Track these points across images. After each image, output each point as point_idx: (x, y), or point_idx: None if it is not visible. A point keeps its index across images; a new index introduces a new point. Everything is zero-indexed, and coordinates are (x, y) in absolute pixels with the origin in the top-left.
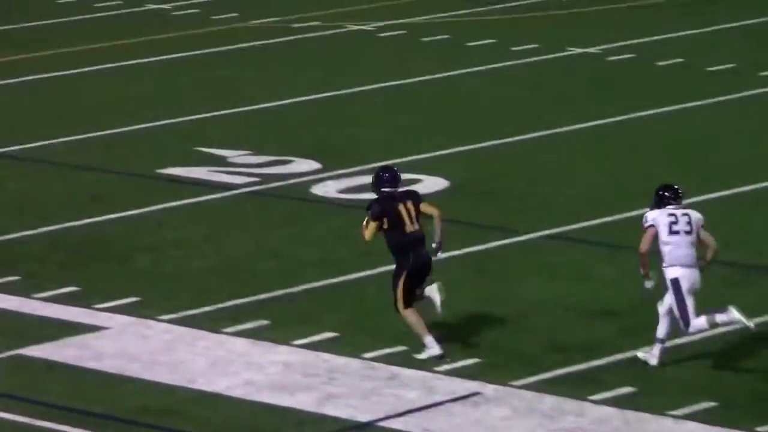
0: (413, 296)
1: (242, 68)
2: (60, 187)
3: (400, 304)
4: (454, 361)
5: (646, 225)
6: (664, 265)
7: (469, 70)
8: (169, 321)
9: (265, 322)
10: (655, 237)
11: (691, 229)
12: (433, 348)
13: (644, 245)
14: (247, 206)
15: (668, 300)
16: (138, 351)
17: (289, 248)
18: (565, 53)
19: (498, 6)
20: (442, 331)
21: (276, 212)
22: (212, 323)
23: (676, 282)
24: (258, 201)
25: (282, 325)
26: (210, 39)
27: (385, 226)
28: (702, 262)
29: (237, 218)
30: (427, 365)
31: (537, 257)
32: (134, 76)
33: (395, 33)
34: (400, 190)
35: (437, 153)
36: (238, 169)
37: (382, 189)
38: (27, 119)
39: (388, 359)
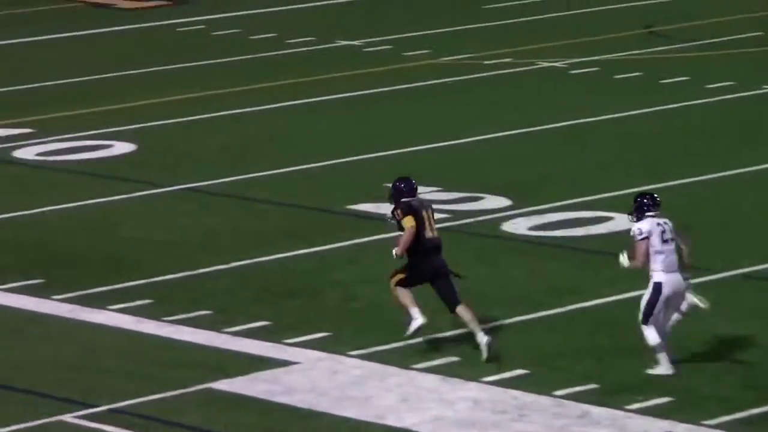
0: (408, 286)
1: (433, 104)
2: (251, 222)
3: (392, 282)
4: (646, 399)
5: (641, 237)
6: (652, 268)
7: (661, 107)
8: (359, 356)
9: (455, 358)
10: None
11: (673, 236)
12: (417, 319)
13: (642, 258)
14: None
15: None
16: (328, 386)
17: (479, 285)
18: (761, 91)
19: (694, 43)
20: (634, 368)
21: (466, 249)
22: (402, 359)
23: (659, 286)
24: (448, 237)
25: (472, 361)
26: (401, 75)
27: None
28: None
29: None
30: (617, 403)
31: (732, 296)
32: (325, 111)
33: (588, 70)
34: (418, 199)
35: (628, 190)
36: None
37: (402, 200)
38: (219, 155)
39: (578, 397)
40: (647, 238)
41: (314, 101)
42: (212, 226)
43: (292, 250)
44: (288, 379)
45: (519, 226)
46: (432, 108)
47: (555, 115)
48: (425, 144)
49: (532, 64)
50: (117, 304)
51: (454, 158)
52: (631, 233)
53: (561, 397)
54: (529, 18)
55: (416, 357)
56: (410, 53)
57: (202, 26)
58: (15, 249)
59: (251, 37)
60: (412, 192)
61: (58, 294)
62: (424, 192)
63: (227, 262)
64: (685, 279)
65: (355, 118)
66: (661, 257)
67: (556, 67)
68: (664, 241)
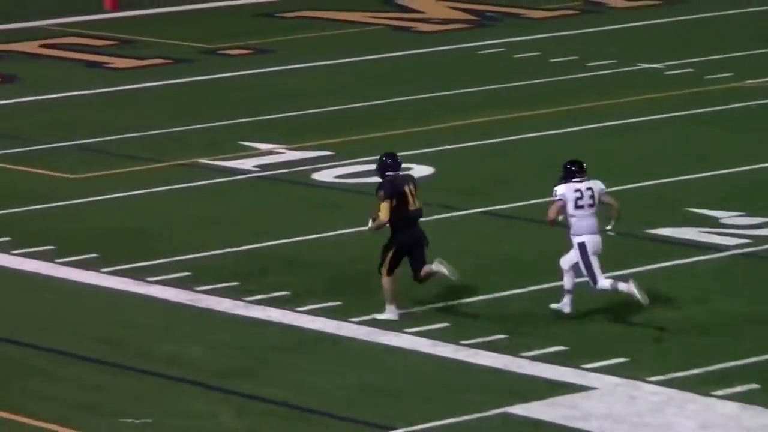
0: (397, 266)
1: (736, 128)
2: (550, 245)
3: (384, 269)
4: None
5: (555, 198)
6: (571, 233)
7: None
8: (658, 383)
9: (755, 385)
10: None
11: (594, 201)
12: (392, 314)
13: (552, 214)
14: (738, 268)
15: (573, 258)
16: (625, 412)
17: None
18: None
19: None
20: None
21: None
22: (701, 385)
23: (583, 245)
24: (749, 263)
25: None
26: (703, 98)
27: (394, 204)
28: (612, 221)
29: (728, 280)
30: None
31: None
32: (625, 134)
33: None
34: (402, 173)
35: None
36: (729, 230)
37: (387, 173)
38: (518, 178)
39: None
40: (561, 200)
41: (614, 124)
42: (510, 249)
43: None
44: (585, 405)
45: None
46: (734, 132)
47: None
48: (726, 168)
49: None
50: (414, 328)
51: (757, 183)
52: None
53: None
54: None
55: (716, 383)
56: (713, 76)
57: (503, 49)
58: (314, 271)
59: (551, 60)
60: (397, 167)
61: (356, 316)
62: (725, 217)
63: (525, 286)
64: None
65: (655, 142)
66: (573, 220)
67: None
68: (578, 207)
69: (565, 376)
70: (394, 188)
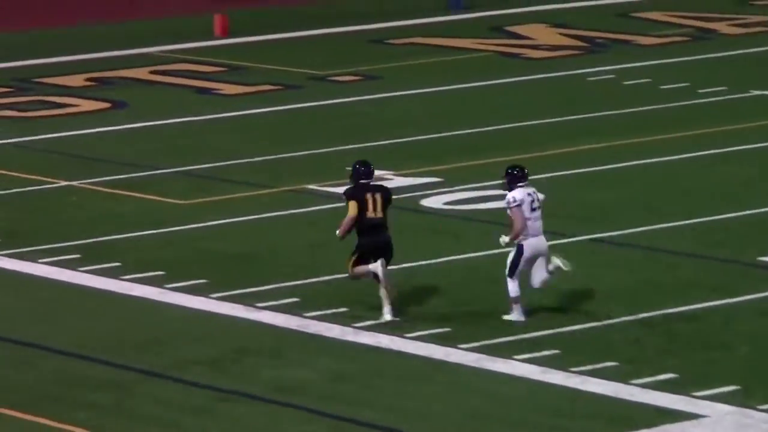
0: (360, 264)
1: None
2: (659, 272)
3: (350, 266)
4: None
5: (514, 204)
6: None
7: None
8: None
9: None
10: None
11: (540, 205)
12: (377, 268)
13: (520, 223)
14: None
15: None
16: None
17: None
18: None
19: None
20: None
21: None
22: None
23: (521, 248)
24: None
25: None
26: None
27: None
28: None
29: None
30: None
31: None
32: (737, 161)
33: None
34: (374, 183)
35: None
36: None
37: (360, 181)
38: (627, 205)
39: None
40: (520, 205)
41: (726, 151)
42: (619, 276)
43: (701, 302)
44: None
45: None
46: None
47: None
48: None
49: None
50: (523, 354)
51: None
52: (505, 201)
53: None
54: None
55: None
56: None
57: (612, 75)
58: (423, 297)
59: (662, 87)
60: (369, 175)
61: (465, 343)
62: None
63: (635, 314)
64: None
65: (767, 169)
66: (528, 223)
67: None
68: (532, 210)
69: (675, 403)
70: (356, 193)
